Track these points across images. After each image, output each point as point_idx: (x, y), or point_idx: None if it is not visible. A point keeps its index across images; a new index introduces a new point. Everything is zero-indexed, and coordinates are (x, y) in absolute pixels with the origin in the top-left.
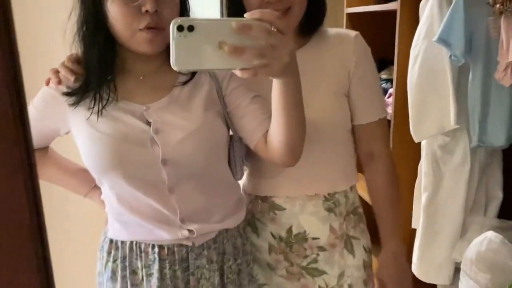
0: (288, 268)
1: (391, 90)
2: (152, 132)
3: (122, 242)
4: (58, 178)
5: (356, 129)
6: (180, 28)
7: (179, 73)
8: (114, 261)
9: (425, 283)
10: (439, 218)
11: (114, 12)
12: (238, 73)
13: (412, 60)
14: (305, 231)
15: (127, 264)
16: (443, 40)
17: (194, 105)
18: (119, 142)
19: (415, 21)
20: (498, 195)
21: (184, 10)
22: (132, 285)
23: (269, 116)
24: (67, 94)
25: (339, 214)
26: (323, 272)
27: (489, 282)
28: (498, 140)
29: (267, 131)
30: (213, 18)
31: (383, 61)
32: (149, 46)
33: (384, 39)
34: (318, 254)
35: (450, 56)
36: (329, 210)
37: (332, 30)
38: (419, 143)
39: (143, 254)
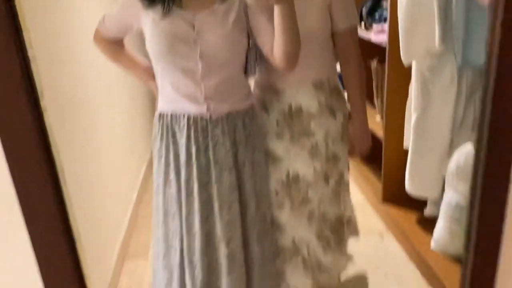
0: (291, 135)
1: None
2: (195, 34)
3: (166, 115)
4: (130, 67)
5: (334, 36)
6: None
7: None
8: (161, 126)
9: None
10: (428, 137)
11: None
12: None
13: None
14: (301, 105)
15: (169, 128)
16: None
17: (227, 18)
18: (170, 37)
19: None
20: None
21: None
22: (173, 143)
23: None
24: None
25: (324, 92)
26: (313, 133)
27: (467, 191)
28: (481, 58)
29: (272, 43)
30: None
31: None
32: None
33: None
34: (310, 121)
35: None
36: (316, 89)
37: None
38: (410, 66)
39: (177, 121)
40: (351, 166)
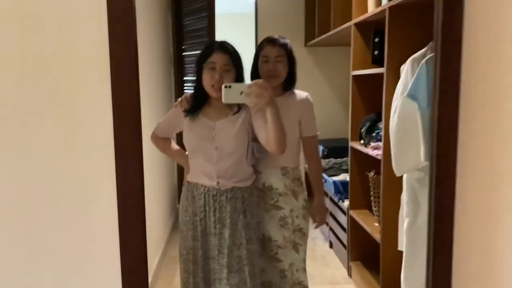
0: (264, 206)
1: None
2: (213, 134)
3: (190, 182)
4: (173, 155)
5: (303, 139)
6: (225, 86)
7: (230, 106)
8: (187, 190)
9: None
10: (419, 241)
11: (204, 74)
12: (250, 104)
13: (392, 111)
14: (271, 184)
15: (192, 192)
16: (412, 96)
17: (236, 123)
18: (198, 136)
19: (397, 81)
20: None
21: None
22: (193, 202)
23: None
24: (184, 111)
25: (288, 178)
26: (281, 208)
27: None
28: None
29: (267, 136)
30: (239, 83)
31: (381, 114)
32: (215, 94)
33: (382, 95)
34: (278, 198)
35: (419, 108)
36: (283, 175)
37: (297, 91)
38: (402, 177)
39: (197, 189)
40: (353, 269)
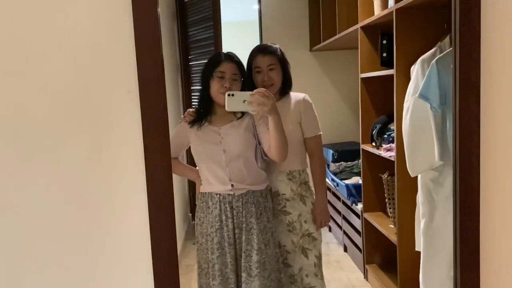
0: (272, 211)
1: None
2: (220, 138)
3: (205, 193)
4: (181, 171)
5: (305, 140)
6: (229, 95)
7: (234, 113)
8: (201, 202)
9: None
10: (436, 241)
11: (213, 83)
12: (253, 112)
13: (404, 112)
14: (278, 190)
15: (206, 203)
16: (424, 96)
17: (240, 127)
18: (205, 142)
19: (408, 82)
20: None
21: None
22: (208, 213)
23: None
24: (189, 122)
25: (295, 182)
26: (289, 213)
27: None
28: None
29: (269, 143)
30: (241, 91)
31: (392, 115)
32: (223, 101)
33: (391, 97)
34: (285, 203)
35: (431, 108)
36: (290, 179)
37: (293, 93)
38: (416, 177)
39: (212, 198)
40: (369, 272)
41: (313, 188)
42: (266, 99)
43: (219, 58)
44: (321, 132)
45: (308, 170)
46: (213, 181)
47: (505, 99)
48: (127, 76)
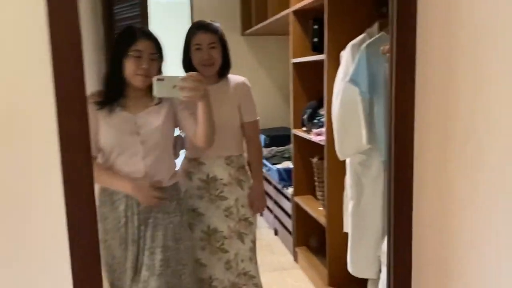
0: (209, 197)
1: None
2: (137, 128)
3: (107, 188)
4: (109, 183)
5: (242, 125)
6: (158, 79)
7: (150, 97)
8: (104, 196)
9: (358, 278)
10: (364, 222)
11: (127, 62)
12: (184, 99)
13: (334, 97)
14: (215, 175)
15: (111, 197)
16: (354, 80)
17: (159, 115)
18: (119, 133)
19: (338, 67)
20: None
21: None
22: (113, 208)
23: (196, 122)
24: (96, 102)
25: (233, 167)
26: (226, 198)
27: None
28: None
29: (195, 130)
30: (171, 75)
31: (322, 100)
32: (141, 84)
33: (322, 82)
34: (223, 188)
35: (360, 92)
36: (228, 164)
37: (232, 76)
38: (345, 161)
39: (117, 192)
40: (299, 254)
41: (249, 173)
42: (199, 83)
43: (133, 34)
44: (259, 118)
45: (245, 155)
46: (124, 174)
47: (439, 72)
48: (40, 54)
